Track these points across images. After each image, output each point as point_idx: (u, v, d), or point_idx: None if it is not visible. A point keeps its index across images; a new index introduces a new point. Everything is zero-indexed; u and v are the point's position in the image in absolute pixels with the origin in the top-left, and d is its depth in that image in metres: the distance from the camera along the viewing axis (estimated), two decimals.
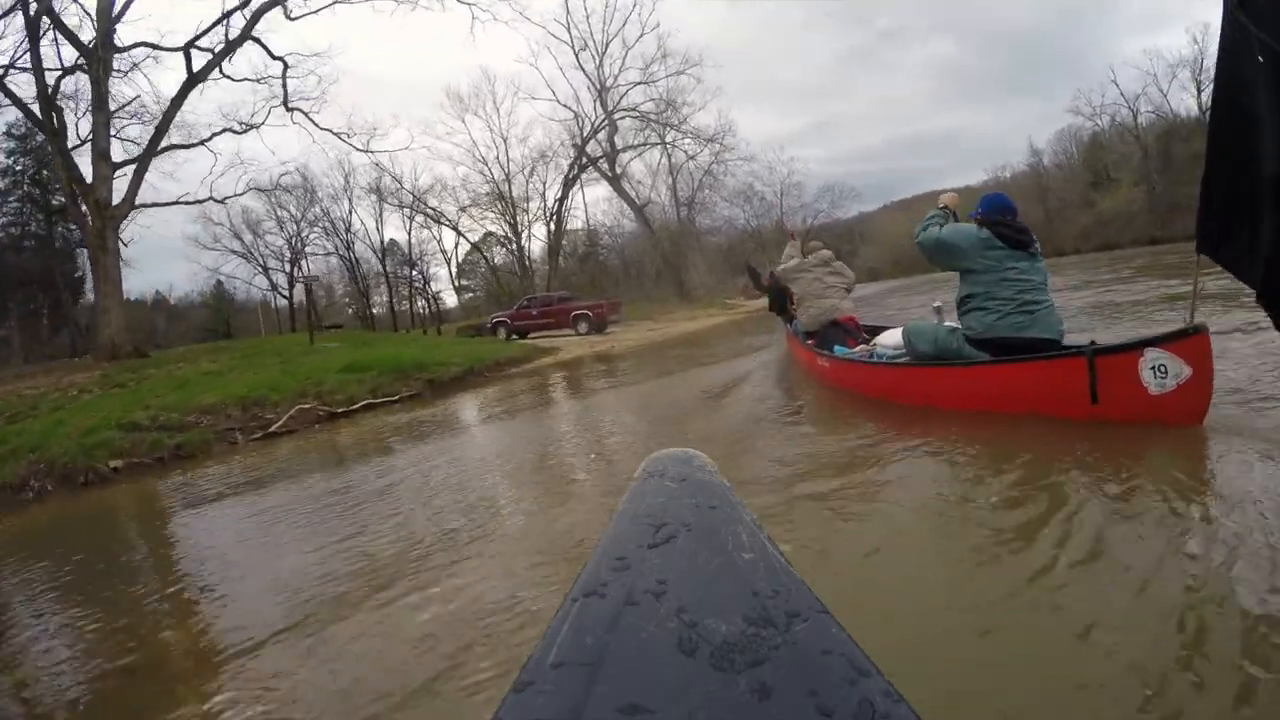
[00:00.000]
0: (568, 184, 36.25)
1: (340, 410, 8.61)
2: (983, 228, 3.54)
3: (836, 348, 5.21)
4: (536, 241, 38.81)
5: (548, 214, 36.19)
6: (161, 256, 44.65)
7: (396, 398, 9.37)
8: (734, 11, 45.30)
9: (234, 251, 42.37)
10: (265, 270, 45.40)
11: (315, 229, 45.76)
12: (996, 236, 3.48)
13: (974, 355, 3.50)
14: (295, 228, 44.07)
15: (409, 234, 45.59)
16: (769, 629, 0.35)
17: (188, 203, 19.85)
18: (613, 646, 0.34)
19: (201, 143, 19.15)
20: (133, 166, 16.46)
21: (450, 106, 38.95)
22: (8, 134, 30.75)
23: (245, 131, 20.12)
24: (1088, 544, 1.86)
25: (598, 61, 36.06)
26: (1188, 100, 40.15)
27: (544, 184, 36.87)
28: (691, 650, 0.34)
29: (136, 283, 54.02)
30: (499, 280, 37.50)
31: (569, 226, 38.58)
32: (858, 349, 5.04)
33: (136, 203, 16.27)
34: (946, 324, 3.88)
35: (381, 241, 45.67)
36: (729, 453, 3.68)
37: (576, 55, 35.97)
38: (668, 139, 36.61)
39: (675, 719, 0.30)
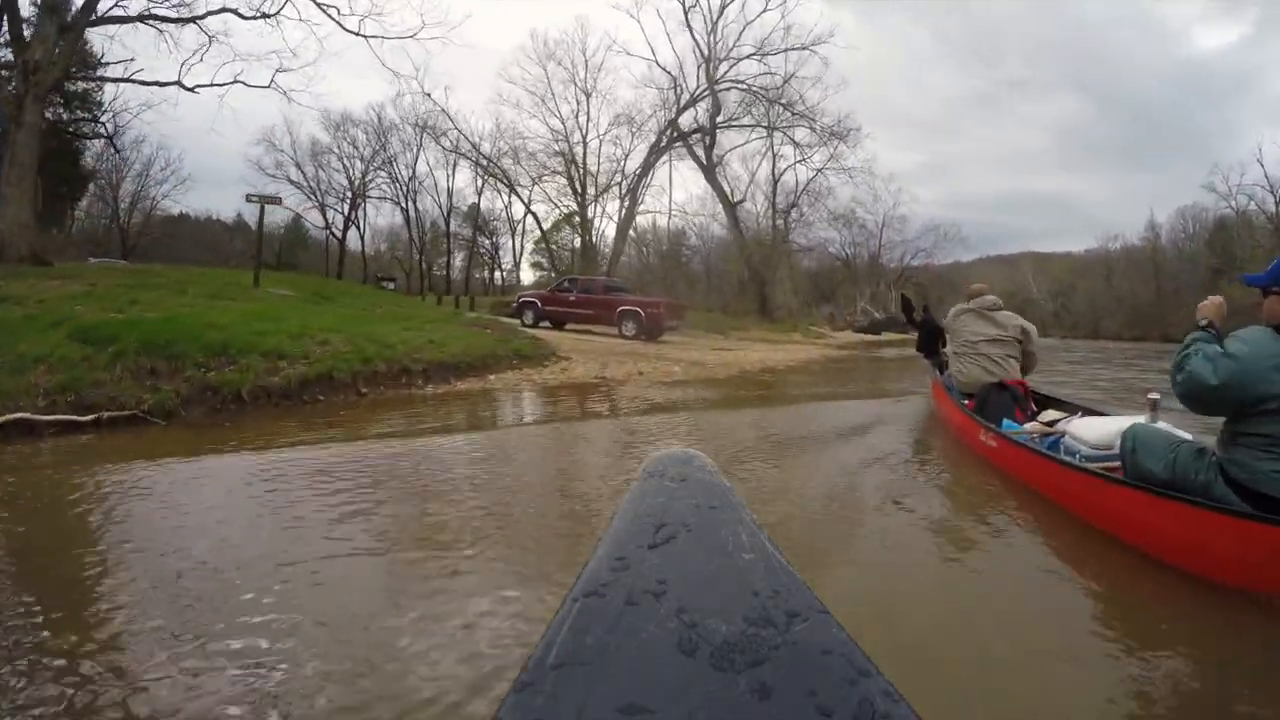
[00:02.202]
0: (652, 157, 31.33)
1: None
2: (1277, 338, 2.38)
3: (1006, 422, 4.19)
4: (611, 223, 34.51)
5: (624, 189, 31.50)
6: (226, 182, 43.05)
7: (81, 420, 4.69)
8: (862, 26, 40.84)
9: (291, 181, 40.65)
10: (322, 208, 43.49)
11: (381, 173, 43.38)
12: None
13: (1226, 497, 2.41)
14: (362, 166, 41.80)
15: (479, 196, 42.61)
16: (769, 629, 0.35)
17: (143, 82, 16.73)
18: (613, 646, 0.34)
19: (195, 19, 15.52)
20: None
21: (533, 50, 35.04)
22: None
23: (257, 18, 16.47)
24: None
25: (710, 26, 31.09)
26: None
27: (625, 153, 32.19)
28: (691, 650, 0.34)
29: (196, 200, 52.25)
30: (573, 259, 33.22)
31: (647, 208, 33.79)
32: (1029, 426, 4.12)
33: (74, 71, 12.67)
34: (1187, 438, 2.76)
35: (450, 197, 42.78)
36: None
37: (686, 12, 31.16)
38: (778, 123, 31.42)
39: (675, 719, 0.30)
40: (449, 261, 45.42)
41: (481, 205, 42.14)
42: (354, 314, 9.75)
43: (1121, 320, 47.21)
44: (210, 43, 16.96)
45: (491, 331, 10.77)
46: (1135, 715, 1.65)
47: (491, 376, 7.44)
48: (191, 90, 17.28)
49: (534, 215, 34.98)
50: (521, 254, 41.25)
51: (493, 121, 33.16)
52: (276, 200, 12.30)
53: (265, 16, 18.23)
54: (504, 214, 40.79)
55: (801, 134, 31.97)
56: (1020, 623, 2.19)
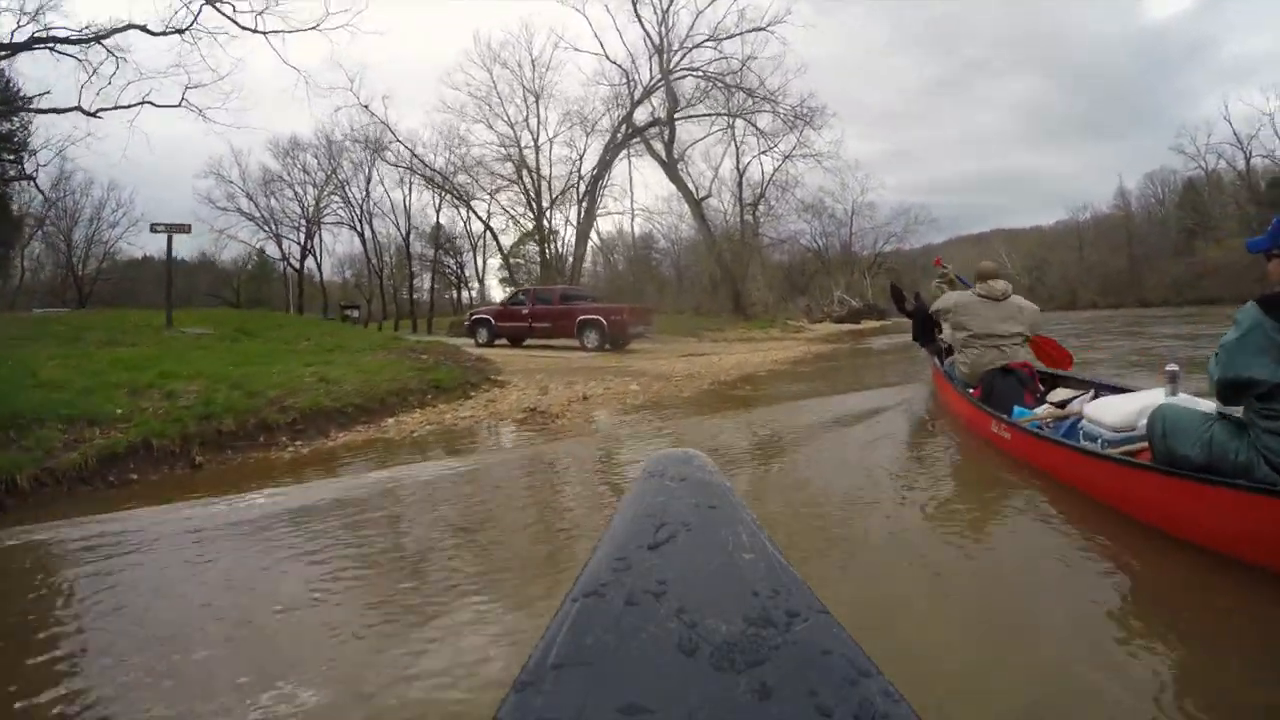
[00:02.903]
0: (608, 155, 29.95)
1: None
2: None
3: (1017, 409, 3.95)
4: (575, 230, 33.19)
5: (580, 192, 30.10)
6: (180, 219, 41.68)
7: None
8: (821, 17, 40.18)
9: (243, 212, 39.43)
10: (277, 238, 42.24)
11: (335, 198, 42.26)
12: None
13: (1269, 477, 2.25)
14: (315, 192, 40.60)
15: (437, 213, 41.48)
16: (769, 629, 0.35)
17: (38, 110, 15.32)
18: (613, 646, 0.34)
19: (97, 39, 14.08)
20: None
21: (476, 53, 33.65)
22: None
23: (168, 34, 15.11)
24: None
25: (660, 16, 29.68)
26: None
27: (579, 154, 30.79)
28: (691, 650, 0.34)
29: (159, 240, 51.20)
30: (543, 273, 31.84)
31: (607, 209, 32.32)
32: (1040, 410, 3.95)
33: None
34: (1214, 411, 2.58)
35: (408, 218, 41.64)
36: None
37: (635, 3, 29.64)
38: (739, 110, 30.22)
39: (675, 719, 0.30)
40: (411, 284, 43.99)
41: (444, 223, 40.61)
42: (265, 350, 8.42)
43: (1096, 289, 47.52)
44: (118, 65, 15.60)
45: (428, 357, 9.40)
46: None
47: (390, 421, 5.81)
48: (94, 115, 15.90)
49: (490, 230, 33.49)
50: (484, 271, 39.77)
51: (437, 131, 31.12)
52: (184, 228, 10.92)
53: (179, 32, 16.97)
54: (465, 231, 39.28)
55: (765, 121, 30.86)
56: (1070, 619, 2.04)
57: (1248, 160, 39.39)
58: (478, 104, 30.00)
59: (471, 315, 16.92)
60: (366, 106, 28.82)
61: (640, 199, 48.94)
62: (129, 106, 16.64)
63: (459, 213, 34.81)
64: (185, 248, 42.54)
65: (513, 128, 30.11)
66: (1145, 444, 2.79)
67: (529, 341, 15.24)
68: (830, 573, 2.42)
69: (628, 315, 14.33)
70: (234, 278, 42.76)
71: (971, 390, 4.56)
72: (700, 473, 0.54)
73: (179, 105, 16.85)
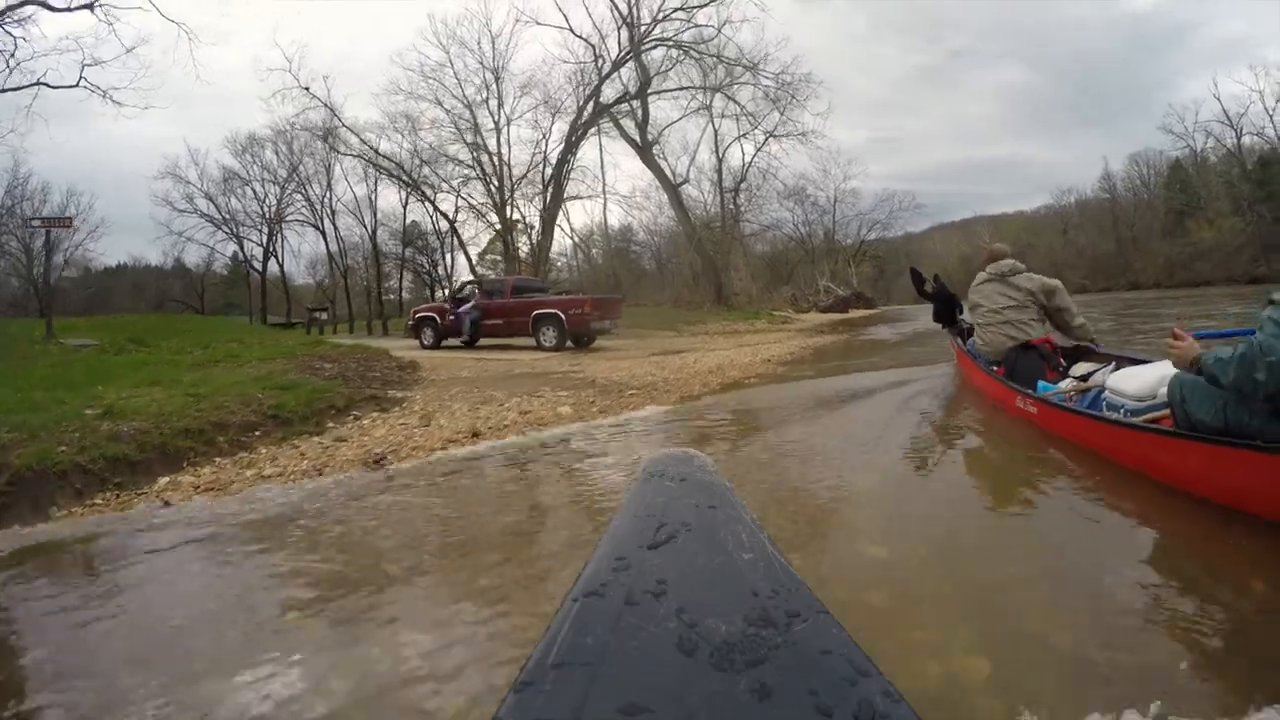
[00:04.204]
0: (575, 135, 27.85)
1: None
2: None
3: (1041, 384, 4.06)
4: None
5: (545, 178, 28.01)
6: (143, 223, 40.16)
7: None
8: (805, 12, 38.69)
9: (202, 214, 37.93)
10: (238, 240, 40.73)
11: (297, 195, 40.73)
12: None
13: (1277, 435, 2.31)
14: (278, 190, 39.01)
15: (404, 207, 39.81)
16: (769, 629, 0.35)
17: None
18: (613, 646, 0.34)
19: None
20: None
21: (431, 30, 31.46)
22: None
23: (72, 10, 13.50)
24: None
25: None
26: None
27: (544, 134, 28.64)
28: (691, 650, 0.34)
29: (133, 247, 50.23)
30: (508, 267, 29.86)
31: (575, 193, 30.23)
32: (1064, 384, 3.99)
33: None
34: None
35: (375, 214, 39.94)
36: None
37: None
38: (718, 83, 28.34)
39: (675, 719, 0.30)
40: (380, 284, 42.30)
41: (415, 219, 38.80)
42: (136, 363, 7.26)
43: (1084, 273, 46.98)
44: (16, 45, 13.73)
45: (332, 366, 7.71)
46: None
47: (190, 474, 3.84)
48: None
49: (451, 224, 31.36)
50: (453, 268, 37.84)
51: (385, 114, 28.61)
52: (65, 222, 9.10)
53: (86, 7, 15.18)
54: (434, 228, 37.37)
55: (747, 97, 29.03)
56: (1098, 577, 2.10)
57: (1238, 137, 38.48)
58: (431, 83, 27.78)
59: (415, 315, 14.95)
60: (307, 89, 26.59)
61: (620, 190, 46.89)
62: (20, 89, 14.71)
63: (425, 209, 32.76)
64: (154, 252, 41.57)
65: (470, 108, 27.99)
66: (1167, 411, 2.89)
67: (485, 341, 13.43)
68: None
69: (590, 308, 12.35)
70: (198, 282, 41.49)
71: (995, 368, 4.64)
72: (700, 473, 0.54)
73: (76, 85, 14.97)
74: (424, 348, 13.59)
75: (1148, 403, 3.15)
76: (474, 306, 13.12)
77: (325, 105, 27.10)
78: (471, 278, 15.89)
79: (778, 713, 0.30)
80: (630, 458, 3.86)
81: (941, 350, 7.31)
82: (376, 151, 27.96)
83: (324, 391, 5.63)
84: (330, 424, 4.93)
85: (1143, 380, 3.23)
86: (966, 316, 5.47)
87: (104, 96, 16.12)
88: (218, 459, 4.07)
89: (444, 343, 13.68)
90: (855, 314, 32.69)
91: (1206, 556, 2.20)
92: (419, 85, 27.55)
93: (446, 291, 36.52)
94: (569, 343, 12.60)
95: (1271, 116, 35.87)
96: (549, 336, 12.29)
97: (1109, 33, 69.65)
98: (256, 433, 4.53)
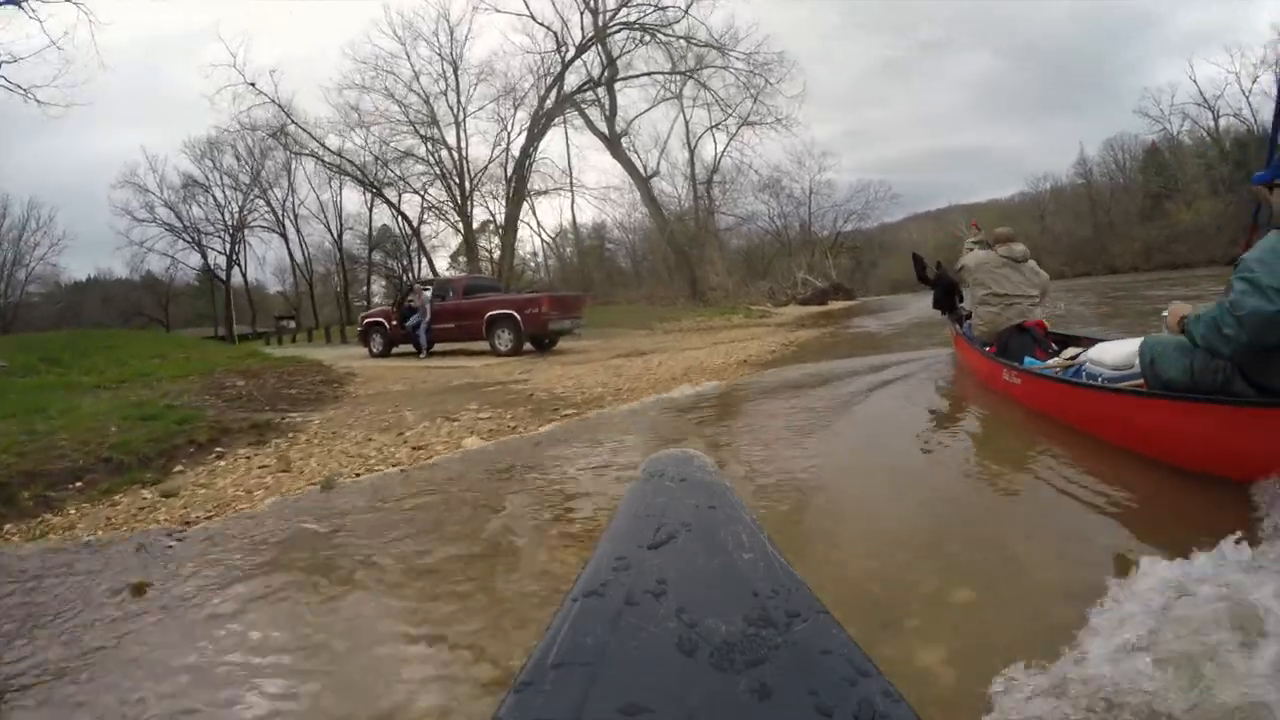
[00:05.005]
0: (537, 125, 26.78)
1: None
2: None
3: (1027, 359, 4.26)
4: (524, 226, 30.13)
5: (508, 170, 26.92)
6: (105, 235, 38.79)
7: None
8: (771, 13, 38.08)
9: (163, 223, 36.92)
10: (201, 249, 39.73)
11: (259, 201, 39.78)
12: None
13: (1246, 393, 2.42)
14: (240, 196, 38.07)
15: (369, 210, 38.90)
16: (769, 629, 0.35)
17: None
18: (613, 646, 0.34)
19: None
20: None
21: (386, 20, 30.13)
22: None
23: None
24: None
25: None
26: (1270, 105, 34.82)
27: (504, 124, 27.52)
28: (691, 650, 0.33)
29: (100, 260, 49.17)
30: (469, 265, 28.79)
31: (539, 186, 29.13)
32: (1050, 362, 4.10)
33: None
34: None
35: (340, 218, 38.98)
36: None
37: None
38: (688, 68, 27.43)
39: (675, 719, 0.29)
40: (346, 290, 41.26)
41: (385, 223, 37.85)
42: (34, 385, 6.65)
43: (1062, 259, 46.96)
44: None
45: (247, 384, 6.92)
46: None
47: None
48: None
49: (408, 221, 30.22)
50: (419, 270, 36.83)
51: (335, 108, 27.02)
52: None
53: (13, 2, 14.23)
54: (399, 230, 36.30)
55: (719, 83, 28.15)
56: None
57: (1215, 119, 38.49)
58: (386, 76, 26.58)
59: (363, 320, 13.90)
60: (253, 84, 25.38)
61: (585, 183, 45.93)
62: None
63: (390, 211, 31.60)
64: (119, 265, 40.43)
65: (428, 101, 26.84)
66: (1143, 380, 2.95)
67: (440, 346, 12.44)
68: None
69: (548, 307, 11.37)
70: (161, 295, 40.49)
71: (988, 348, 4.79)
72: (700, 473, 0.53)
73: None
74: (373, 355, 12.60)
75: (1124, 371, 3.27)
76: (421, 314, 12.04)
77: (273, 101, 25.91)
78: (421, 279, 14.56)
79: (778, 713, 0.30)
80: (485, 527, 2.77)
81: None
82: (327, 148, 26.79)
83: (192, 420, 4.68)
84: (180, 466, 3.98)
85: (1121, 352, 3.35)
86: (966, 304, 5.61)
87: (25, 96, 15.02)
88: (6, 526, 3.10)
89: (395, 349, 12.67)
90: (835, 306, 32.28)
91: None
92: (372, 78, 26.43)
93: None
94: (528, 345, 11.66)
95: (1248, 98, 36.00)
96: (505, 339, 11.34)
97: (1080, 19, 69.91)
98: (78, 483, 3.58)
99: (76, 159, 48.53)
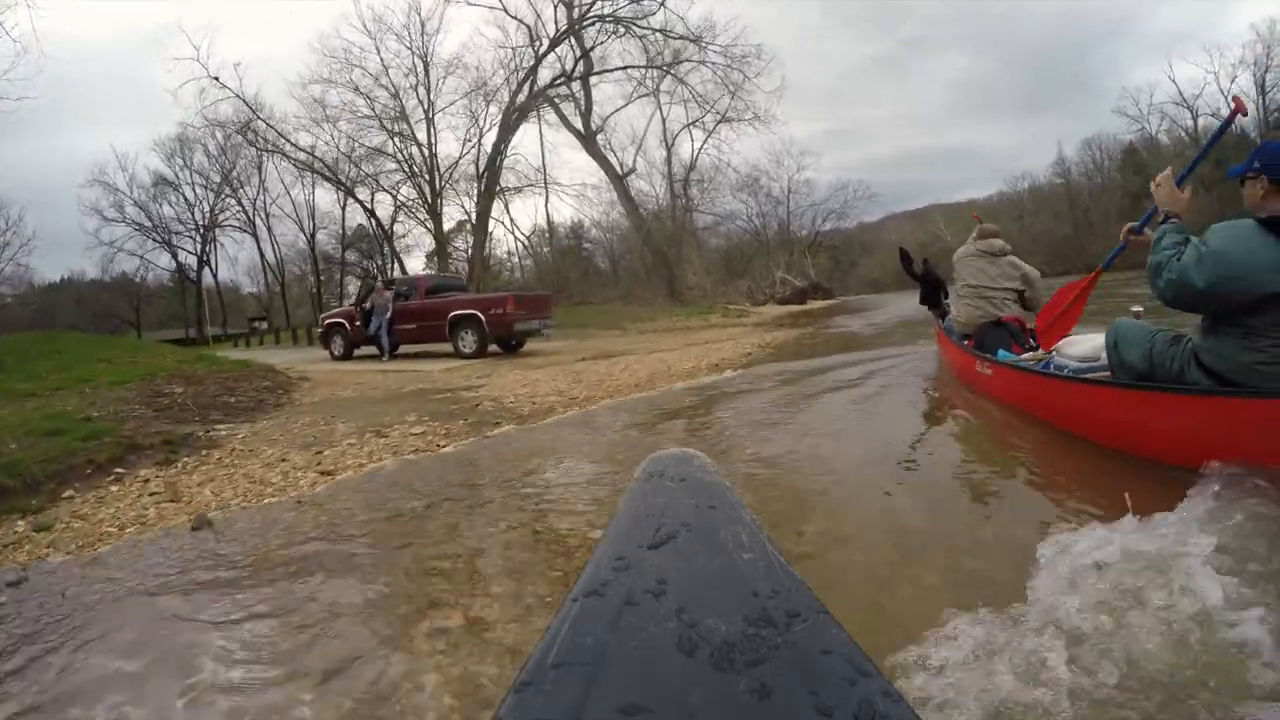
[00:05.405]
0: (510, 118, 26.27)
1: None
2: (1268, 233, 2.27)
3: (1001, 352, 4.25)
4: (499, 225, 29.57)
5: (479, 168, 26.42)
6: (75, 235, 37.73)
7: None
8: (753, 7, 38.10)
9: (133, 223, 36.22)
10: (169, 246, 39.05)
11: (230, 200, 39.12)
12: None
13: (1200, 382, 2.49)
14: (211, 195, 37.42)
15: (342, 209, 38.34)
16: (769, 629, 0.35)
17: None
18: (613, 646, 0.34)
19: None
20: None
21: (356, 14, 29.50)
22: None
23: None
24: None
25: None
26: (1248, 105, 35.82)
27: (477, 123, 26.98)
28: (691, 650, 0.33)
29: (72, 262, 48.04)
30: (439, 264, 28.25)
31: (516, 185, 28.59)
32: (1025, 356, 4.10)
33: None
34: (1165, 329, 2.81)
35: (312, 217, 38.34)
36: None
37: None
38: (662, 64, 27.08)
39: (675, 719, 0.29)
40: (319, 289, 40.63)
41: (361, 223, 37.27)
42: None
43: (1041, 257, 47.36)
44: None
45: (185, 390, 6.93)
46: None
47: None
48: None
49: (376, 220, 29.63)
50: (393, 270, 36.32)
51: (300, 102, 25.60)
52: None
53: None
54: (372, 230, 35.67)
55: (696, 79, 27.82)
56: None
57: (1194, 119, 38.98)
58: (355, 71, 25.94)
59: (323, 322, 13.39)
60: (216, 78, 24.73)
61: (559, 181, 45.55)
62: None
63: (363, 210, 30.97)
64: (90, 266, 39.08)
65: (398, 95, 26.27)
66: (1109, 374, 3.03)
67: (405, 349, 12.03)
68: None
69: (514, 308, 10.93)
70: (134, 297, 39.81)
71: (966, 341, 4.83)
72: (700, 473, 0.53)
73: None
74: (334, 359, 12.16)
75: (1090, 364, 3.37)
76: (380, 314, 11.58)
77: (238, 96, 25.25)
78: (385, 279, 13.99)
79: (778, 713, 0.30)
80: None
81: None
82: (293, 144, 26.13)
83: (102, 435, 4.30)
84: (70, 491, 3.57)
85: (1090, 345, 3.45)
86: (951, 301, 5.74)
87: None
88: None
89: (359, 352, 12.23)
90: (814, 305, 32.08)
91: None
92: (338, 71, 25.83)
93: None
94: (495, 347, 11.29)
95: (1226, 97, 36.34)
96: (468, 341, 10.94)
97: (1060, 18, 70.67)
98: None
99: (47, 158, 47.52)
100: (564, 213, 41.36)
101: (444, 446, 4.10)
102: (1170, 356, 2.59)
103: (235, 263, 40.35)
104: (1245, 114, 2.66)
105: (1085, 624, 1.46)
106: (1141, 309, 3.36)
